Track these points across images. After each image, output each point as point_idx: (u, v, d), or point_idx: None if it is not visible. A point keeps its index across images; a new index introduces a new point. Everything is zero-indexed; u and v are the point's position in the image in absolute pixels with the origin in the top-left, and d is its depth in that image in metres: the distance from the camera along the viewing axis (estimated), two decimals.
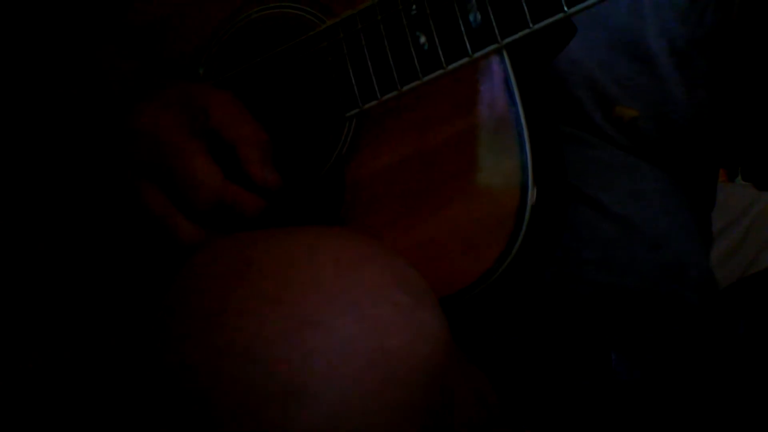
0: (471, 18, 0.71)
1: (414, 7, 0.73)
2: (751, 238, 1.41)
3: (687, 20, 0.83)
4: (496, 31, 0.70)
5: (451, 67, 0.72)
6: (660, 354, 0.87)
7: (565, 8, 0.68)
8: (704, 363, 0.87)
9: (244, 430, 0.56)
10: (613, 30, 0.83)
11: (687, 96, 0.84)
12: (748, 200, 1.42)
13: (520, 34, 0.70)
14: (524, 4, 0.69)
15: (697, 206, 0.93)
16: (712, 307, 0.91)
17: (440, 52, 0.72)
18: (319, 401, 0.56)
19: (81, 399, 0.78)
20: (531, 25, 0.69)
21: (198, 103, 0.76)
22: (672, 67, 0.83)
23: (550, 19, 0.69)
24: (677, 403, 0.85)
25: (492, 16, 0.70)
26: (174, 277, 0.62)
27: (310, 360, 0.56)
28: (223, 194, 0.75)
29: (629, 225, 0.86)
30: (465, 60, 0.72)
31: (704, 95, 0.84)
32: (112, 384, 0.77)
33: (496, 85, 0.72)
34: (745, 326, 0.88)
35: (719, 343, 0.88)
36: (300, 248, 0.60)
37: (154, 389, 0.60)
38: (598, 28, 0.83)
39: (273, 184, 0.76)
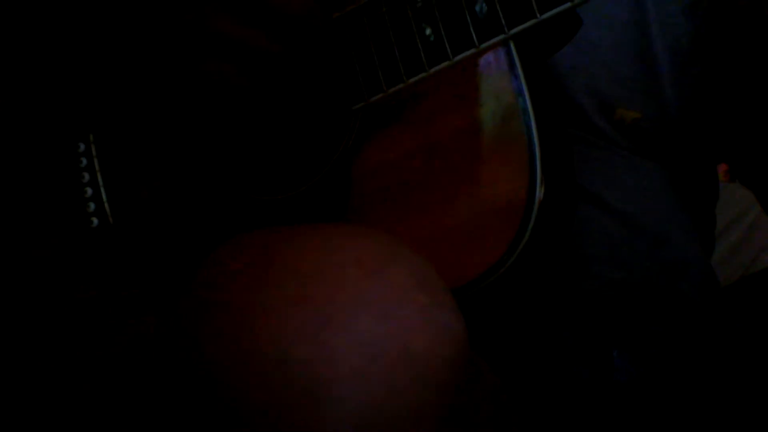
0: (477, 8, 0.71)
1: None
2: (752, 238, 1.41)
3: (692, 16, 0.83)
4: (503, 21, 0.70)
5: (457, 58, 0.72)
6: (661, 350, 0.87)
7: None
8: (705, 360, 0.87)
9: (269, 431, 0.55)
10: (616, 28, 0.83)
11: (677, 95, 0.84)
12: (749, 200, 1.42)
13: (527, 24, 0.70)
14: None
15: (699, 204, 0.93)
16: (713, 303, 0.91)
17: (446, 44, 0.72)
18: (344, 403, 0.56)
19: (87, 399, 0.78)
20: (538, 15, 0.69)
21: None
22: (670, 67, 0.84)
23: (557, 9, 0.69)
24: (677, 400, 0.85)
25: (498, 6, 0.70)
26: (195, 274, 0.62)
27: (335, 361, 0.56)
28: None
29: (632, 222, 0.86)
30: (472, 51, 0.72)
31: (694, 94, 0.84)
32: (122, 384, 0.77)
33: (504, 76, 0.72)
34: (744, 323, 0.88)
35: (719, 340, 0.88)
36: (323, 247, 0.60)
37: (177, 389, 0.59)
38: (602, 26, 0.83)
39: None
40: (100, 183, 0.86)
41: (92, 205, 0.86)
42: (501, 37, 0.71)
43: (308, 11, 0.74)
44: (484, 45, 0.71)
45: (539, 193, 0.70)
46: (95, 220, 0.86)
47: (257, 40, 0.74)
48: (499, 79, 0.73)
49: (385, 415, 0.56)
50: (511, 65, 0.72)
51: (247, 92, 0.76)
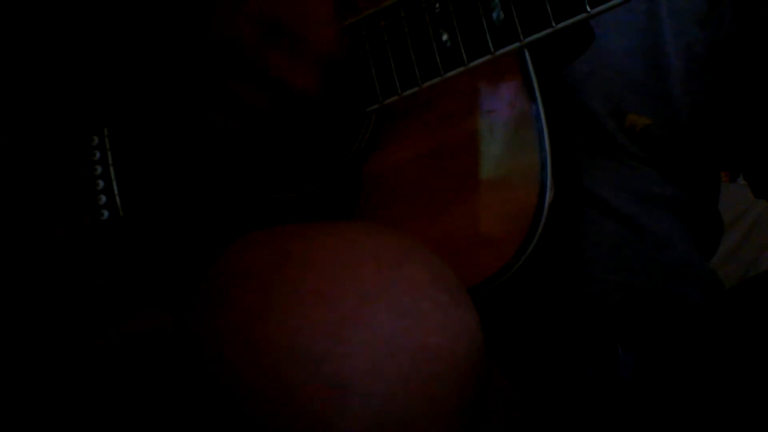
0: (494, 16, 0.72)
1: (437, 5, 0.73)
2: (753, 239, 1.41)
3: (706, 24, 0.83)
4: (519, 29, 0.71)
5: (472, 64, 0.73)
6: (665, 352, 0.87)
7: (588, 8, 0.68)
8: (708, 362, 0.87)
9: (288, 428, 0.56)
10: (630, 34, 0.84)
11: (689, 101, 0.85)
12: (749, 201, 1.42)
13: (543, 33, 0.70)
14: (547, 4, 0.70)
15: (703, 207, 0.94)
16: (716, 306, 0.91)
17: (462, 50, 0.73)
18: (363, 399, 0.56)
19: (87, 391, 0.78)
20: (554, 24, 0.70)
21: None
22: (682, 73, 0.84)
23: (573, 19, 0.69)
24: (681, 402, 0.86)
25: (515, 15, 0.71)
26: (209, 272, 0.62)
27: (353, 357, 0.56)
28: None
29: (635, 225, 0.87)
30: (487, 57, 0.72)
31: (705, 101, 0.85)
32: (123, 376, 0.77)
33: (517, 83, 0.73)
34: (748, 325, 0.89)
35: (723, 342, 0.89)
36: (340, 243, 0.60)
37: (194, 387, 0.59)
38: (616, 32, 0.83)
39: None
40: (113, 176, 0.86)
41: (103, 198, 0.86)
42: (516, 44, 0.71)
43: (341, 48, 0.73)
44: (499, 52, 0.72)
45: (549, 197, 0.71)
46: (106, 213, 0.86)
47: (296, 75, 0.73)
48: (513, 85, 0.73)
49: (401, 411, 0.57)
50: (525, 72, 0.73)
51: (275, 120, 0.75)
